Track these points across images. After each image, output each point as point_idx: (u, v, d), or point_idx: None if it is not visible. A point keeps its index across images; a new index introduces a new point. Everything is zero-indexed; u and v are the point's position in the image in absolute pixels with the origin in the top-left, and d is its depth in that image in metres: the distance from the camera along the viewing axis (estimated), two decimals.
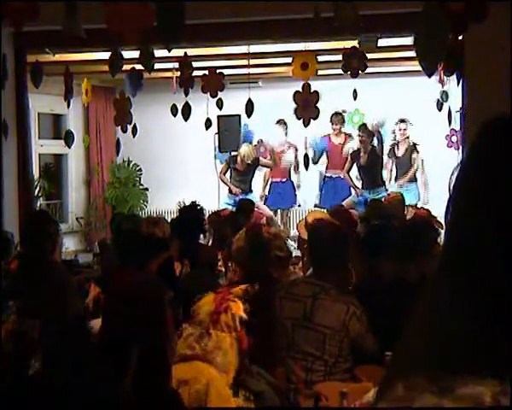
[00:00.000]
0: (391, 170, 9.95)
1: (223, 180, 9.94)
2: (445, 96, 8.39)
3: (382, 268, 4.11)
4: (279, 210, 10.28)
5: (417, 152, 9.66)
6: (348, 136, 10.18)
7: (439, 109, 8.66)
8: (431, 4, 4.24)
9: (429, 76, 4.49)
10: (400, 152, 9.80)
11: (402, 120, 9.79)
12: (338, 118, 10.05)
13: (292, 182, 10.24)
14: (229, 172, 9.82)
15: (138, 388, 2.27)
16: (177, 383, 2.66)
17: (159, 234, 4.87)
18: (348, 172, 9.74)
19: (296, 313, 3.61)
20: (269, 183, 10.32)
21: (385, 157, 9.84)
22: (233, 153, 9.86)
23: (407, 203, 8.55)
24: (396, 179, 9.84)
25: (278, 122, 10.27)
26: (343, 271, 3.91)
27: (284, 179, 10.21)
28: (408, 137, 9.78)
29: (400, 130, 9.76)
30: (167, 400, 2.34)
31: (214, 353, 2.76)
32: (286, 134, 10.25)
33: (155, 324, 2.39)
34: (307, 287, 3.67)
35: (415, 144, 9.70)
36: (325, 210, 6.51)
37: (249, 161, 9.60)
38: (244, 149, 9.66)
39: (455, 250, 0.91)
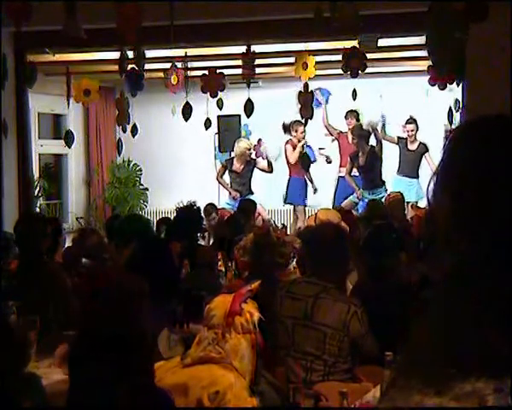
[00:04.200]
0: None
1: (221, 183, 9.88)
2: (457, 105, 8.14)
3: (383, 269, 4.11)
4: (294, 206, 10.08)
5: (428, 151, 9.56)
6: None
7: (450, 121, 8.53)
8: (440, 3, 4.25)
9: (440, 73, 4.49)
10: (412, 147, 9.71)
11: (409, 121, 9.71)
12: (353, 114, 9.93)
13: (305, 180, 10.02)
14: (227, 176, 9.77)
15: (122, 387, 2.24)
16: (193, 383, 2.66)
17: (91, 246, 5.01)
18: (350, 173, 9.69)
19: (297, 313, 3.62)
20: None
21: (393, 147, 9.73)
22: (230, 155, 9.83)
23: (408, 200, 8.53)
24: (399, 170, 9.76)
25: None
26: (344, 271, 3.92)
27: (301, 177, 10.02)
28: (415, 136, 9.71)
29: (408, 131, 9.67)
30: (155, 399, 2.32)
31: (231, 357, 2.76)
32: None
33: (128, 320, 2.35)
34: (309, 286, 3.68)
35: (425, 145, 9.61)
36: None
37: (250, 152, 9.56)
38: (241, 144, 9.57)
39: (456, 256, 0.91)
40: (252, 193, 9.54)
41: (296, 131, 9.73)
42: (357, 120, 10.00)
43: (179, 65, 7.95)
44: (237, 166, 9.54)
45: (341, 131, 10.19)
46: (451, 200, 0.91)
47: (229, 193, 9.66)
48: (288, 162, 9.94)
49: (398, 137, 9.73)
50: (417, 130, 9.65)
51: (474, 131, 0.95)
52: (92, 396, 2.26)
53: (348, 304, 3.55)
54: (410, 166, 9.68)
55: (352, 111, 9.94)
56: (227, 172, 9.72)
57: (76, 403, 2.35)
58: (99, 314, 2.38)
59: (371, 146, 9.42)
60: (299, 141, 9.80)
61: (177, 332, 3.91)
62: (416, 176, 9.66)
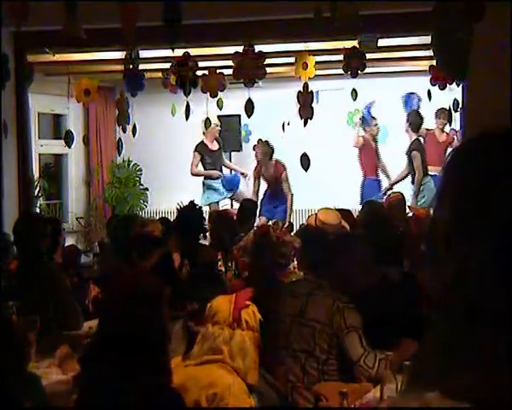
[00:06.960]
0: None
1: (197, 174, 9.65)
2: (455, 105, 8.07)
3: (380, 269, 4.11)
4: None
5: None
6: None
7: (449, 121, 8.42)
8: (444, 3, 4.25)
9: (446, 73, 4.48)
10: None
11: None
12: (444, 113, 9.36)
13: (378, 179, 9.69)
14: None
15: (138, 387, 2.26)
16: (192, 383, 2.66)
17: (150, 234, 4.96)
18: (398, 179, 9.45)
19: (294, 310, 3.67)
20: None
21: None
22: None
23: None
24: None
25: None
26: (346, 272, 3.91)
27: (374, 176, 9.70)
28: None
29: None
30: (168, 399, 2.33)
31: (236, 357, 2.76)
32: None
33: (152, 321, 2.37)
34: (305, 284, 3.74)
35: None
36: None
37: (219, 129, 9.52)
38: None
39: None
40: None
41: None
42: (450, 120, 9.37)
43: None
44: (210, 145, 9.51)
45: (428, 129, 9.67)
46: (452, 205, 0.92)
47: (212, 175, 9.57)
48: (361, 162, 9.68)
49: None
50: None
51: (475, 142, 0.97)
52: (105, 396, 2.27)
53: (334, 299, 3.57)
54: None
55: (442, 110, 9.44)
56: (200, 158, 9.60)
57: (89, 403, 2.36)
58: (116, 315, 2.39)
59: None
60: (373, 137, 9.64)
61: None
62: None
